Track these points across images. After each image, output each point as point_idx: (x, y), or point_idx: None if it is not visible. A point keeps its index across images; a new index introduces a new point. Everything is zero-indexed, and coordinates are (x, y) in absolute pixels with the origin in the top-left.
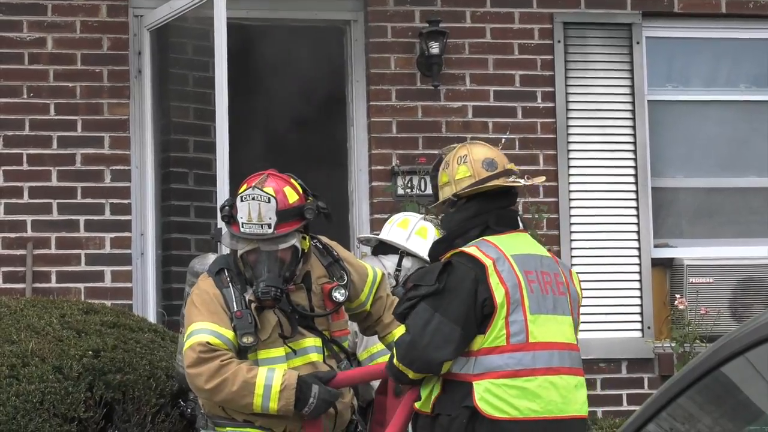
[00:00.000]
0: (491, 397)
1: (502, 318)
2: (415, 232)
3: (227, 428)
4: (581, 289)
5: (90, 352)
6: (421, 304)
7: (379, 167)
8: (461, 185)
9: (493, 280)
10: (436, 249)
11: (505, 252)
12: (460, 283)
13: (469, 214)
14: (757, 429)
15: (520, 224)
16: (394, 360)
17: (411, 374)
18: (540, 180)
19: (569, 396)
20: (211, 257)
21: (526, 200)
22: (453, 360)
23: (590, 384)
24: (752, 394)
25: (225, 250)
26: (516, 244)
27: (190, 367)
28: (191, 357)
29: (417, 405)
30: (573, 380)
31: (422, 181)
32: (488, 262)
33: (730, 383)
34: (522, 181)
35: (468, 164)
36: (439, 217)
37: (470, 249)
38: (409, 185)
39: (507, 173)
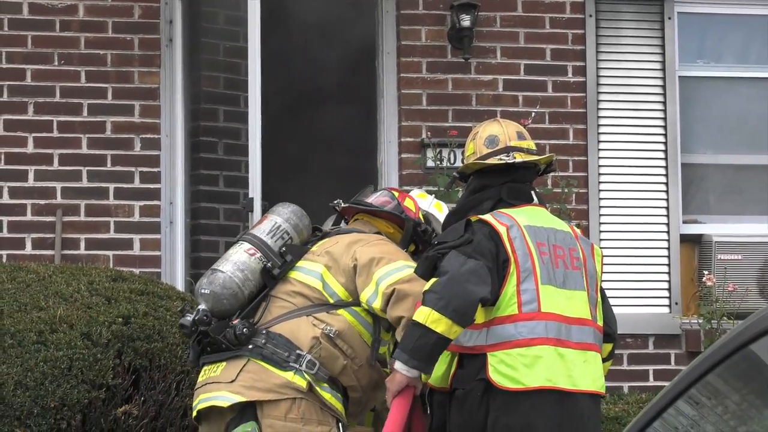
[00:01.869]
0: (505, 367)
1: (513, 286)
2: (432, 205)
3: (324, 384)
4: (602, 266)
5: (120, 319)
6: (451, 252)
7: (408, 139)
8: (467, 161)
9: (507, 245)
10: (450, 220)
11: (518, 221)
12: (484, 242)
13: (473, 188)
14: None
15: (535, 198)
16: (420, 315)
17: (442, 325)
18: (546, 158)
19: (577, 370)
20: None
21: (556, 175)
22: (488, 303)
23: (616, 359)
24: None
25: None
26: (529, 216)
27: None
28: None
29: (433, 382)
30: (581, 355)
31: (452, 153)
32: (502, 229)
33: (760, 361)
34: (508, 160)
35: (474, 141)
36: None
37: (486, 217)
38: (438, 158)
39: (507, 150)
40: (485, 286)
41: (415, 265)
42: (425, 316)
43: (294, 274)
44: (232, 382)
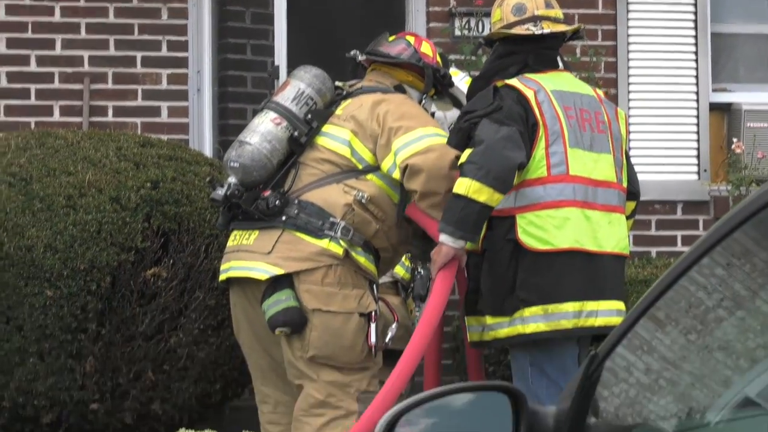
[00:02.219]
0: (533, 228)
1: (542, 149)
2: (464, 81)
3: (359, 248)
4: (627, 128)
5: (148, 184)
6: (483, 121)
7: (436, 9)
8: (494, 28)
9: (536, 109)
10: (475, 85)
11: (544, 86)
12: (513, 106)
13: (499, 54)
14: None
15: (560, 64)
16: (461, 186)
17: (485, 194)
18: (571, 28)
19: (602, 232)
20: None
21: (584, 44)
22: (524, 167)
23: (645, 225)
24: None
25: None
26: (555, 81)
27: (444, 163)
28: (451, 158)
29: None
30: (606, 217)
31: (479, 22)
32: (529, 93)
33: None
34: (536, 31)
35: (501, 8)
36: None
37: (513, 82)
38: (466, 27)
39: (535, 20)
40: (521, 150)
41: (435, 129)
42: (466, 187)
43: (321, 140)
44: (268, 253)
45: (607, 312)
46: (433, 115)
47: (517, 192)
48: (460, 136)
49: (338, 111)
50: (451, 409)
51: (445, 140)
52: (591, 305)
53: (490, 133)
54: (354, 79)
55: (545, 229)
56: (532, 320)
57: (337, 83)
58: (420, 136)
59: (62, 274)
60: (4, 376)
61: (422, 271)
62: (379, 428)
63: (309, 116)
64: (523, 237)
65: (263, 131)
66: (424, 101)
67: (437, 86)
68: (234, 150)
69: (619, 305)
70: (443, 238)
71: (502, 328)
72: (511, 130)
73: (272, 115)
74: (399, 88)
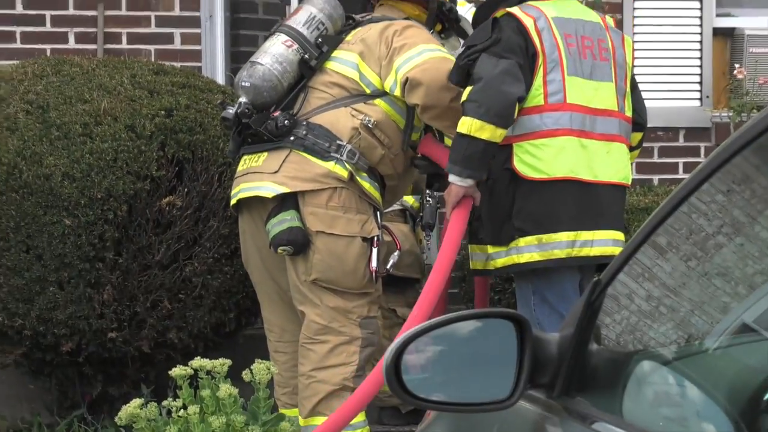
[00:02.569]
0: (529, 157)
1: (540, 77)
2: (469, 12)
3: (364, 173)
4: (633, 56)
5: (162, 112)
6: (482, 56)
7: None
8: None
9: (535, 37)
10: (480, 12)
11: (546, 13)
12: (512, 36)
13: None
14: None
15: None
16: (464, 125)
17: (487, 131)
18: None
19: (599, 161)
20: None
21: None
22: (523, 99)
23: (647, 152)
24: None
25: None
26: (558, 7)
27: (441, 75)
28: (449, 68)
29: None
30: (604, 146)
31: None
32: (528, 22)
33: None
34: None
35: None
36: None
37: (512, 9)
38: None
39: None
40: (520, 83)
41: (435, 46)
42: (468, 125)
43: (330, 65)
44: (275, 173)
45: (602, 242)
46: None
47: (516, 121)
48: (460, 73)
49: (348, 37)
50: (457, 337)
51: (444, 55)
52: (586, 235)
53: (488, 69)
54: (364, 14)
55: (540, 158)
56: (527, 250)
57: (349, 15)
58: (420, 51)
59: (80, 202)
60: (24, 305)
61: (431, 200)
62: (387, 356)
63: (319, 40)
64: (518, 165)
65: (274, 53)
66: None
67: (443, 21)
68: (245, 70)
69: (617, 235)
70: (452, 178)
71: (500, 257)
72: (509, 63)
73: (283, 37)
74: (406, 20)
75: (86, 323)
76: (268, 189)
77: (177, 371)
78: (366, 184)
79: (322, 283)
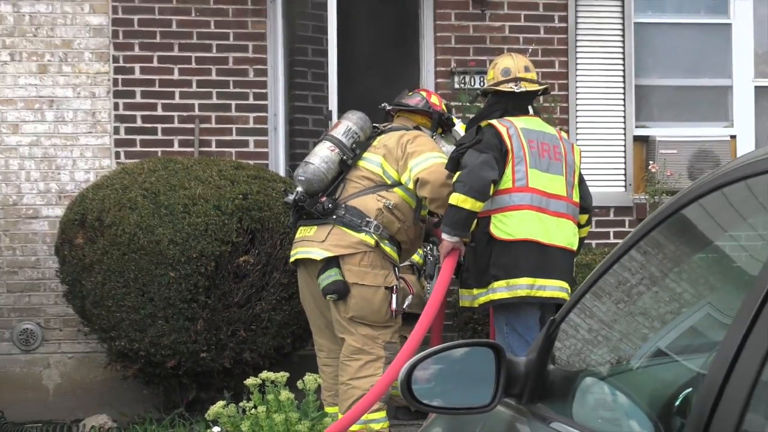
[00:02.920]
0: (501, 224)
1: (509, 168)
2: (459, 126)
3: (386, 240)
4: (580, 159)
5: (240, 196)
6: (469, 151)
7: (441, 68)
8: (487, 84)
9: (507, 140)
10: (471, 123)
11: (516, 125)
12: (491, 139)
13: (491, 103)
14: (705, 256)
15: (530, 111)
16: (454, 199)
17: (469, 203)
18: (541, 87)
19: (551, 229)
20: (360, 113)
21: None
22: (496, 184)
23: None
24: (703, 229)
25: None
26: (526, 122)
27: (442, 176)
28: (446, 173)
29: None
30: (555, 221)
31: (471, 78)
32: (503, 129)
33: (688, 221)
34: (516, 89)
35: (494, 70)
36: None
37: (493, 121)
38: (462, 81)
39: (516, 81)
40: (495, 170)
41: (438, 153)
42: (456, 198)
43: (362, 163)
44: (323, 241)
45: (552, 287)
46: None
47: (492, 199)
48: (453, 162)
49: (375, 143)
50: (452, 359)
51: (445, 161)
52: (541, 281)
53: (472, 159)
54: (385, 123)
55: (509, 225)
56: (499, 290)
57: (375, 125)
58: (427, 158)
59: (180, 260)
60: (140, 334)
61: (431, 258)
62: (402, 372)
63: (354, 146)
64: (494, 230)
65: (322, 155)
66: (434, 137)
67: (443, 126)
68: (301, 168)
69: (563, 284)
70: (443, 235)
71: (482, 296)
72: (488, 156)
73: (328, 144)
74: (416, 128)
75: (184, 347)
76: (318, 253)
77: (249, 381)
78: (387, 249)
79: (357, 318)
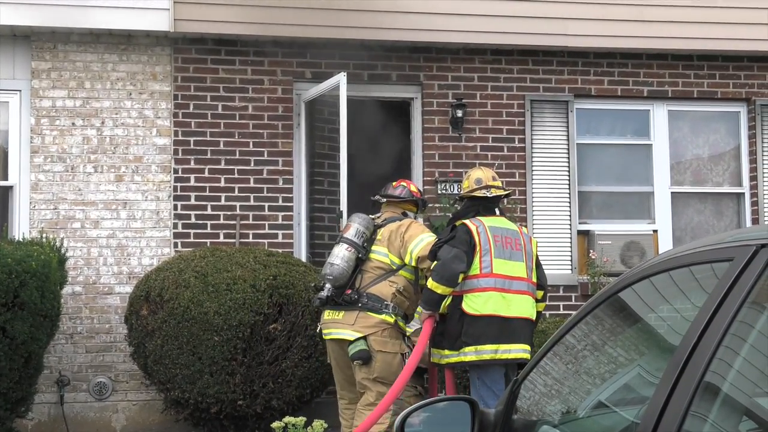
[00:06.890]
0: (471, 302)
1: (478, 258)
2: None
3: (399, 316)
4: (537, 249)
5: (271, 277)
6: (444, 246)
7: (428, 177)
8: (463, 191)
9: (476, 236)
10: (450, 222)
11: (485, 224)
12: (462, 236)
13: (466, 206)
14: (636, 329)
15: (497, 212)
16: (429, 283)
17: (440, 289)
18: (506, 192)
19: (513, 305)
20: (363, 215)
21: (510, 197)
22: (465, 274)
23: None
24: (635, 308)
25: (345, 222)
26: (493, 221)
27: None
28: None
29: (441, 310)
30: (517, 297)
31: (451, 186)
32: (473, 227)
33: (623, 302)
34: (488, 194)
35: (468, 180)
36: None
37: (466, 221)
38: (444, 188)
39: (487, 188)
40: (463, 264)
41: (429, 233)
42: (431, 284)
43: (372, 255)
44: (353, 324)
45: (515, 350)
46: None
47: (464, 282)
48: (433, 252)
49: (378, 236)
50: (437, 409)
51: (433, 239)
52: (504, 346)
53: (445, 254)
54: (378, 212)
55: (477, 303)
56: (469, 354)
57: (372, 216)
58: (422, 239)
59: (223, 327)
60: (190, 386)
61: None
62: (399, 418)
63: (365, 244)
64: (465, 307)
65: (342, 256)
66: (415, 217)
67: (422, 208)
68: (327, 268)
69: (525, 347)
70: (421, 309)
71: (453, 357)
72: (458, 251)
73: (345, 245)
74: (404, 214)
75: (225, 396)
76: (350, 334)
77: (276, 424)
78: (401, 323)
79: (379, 379)
